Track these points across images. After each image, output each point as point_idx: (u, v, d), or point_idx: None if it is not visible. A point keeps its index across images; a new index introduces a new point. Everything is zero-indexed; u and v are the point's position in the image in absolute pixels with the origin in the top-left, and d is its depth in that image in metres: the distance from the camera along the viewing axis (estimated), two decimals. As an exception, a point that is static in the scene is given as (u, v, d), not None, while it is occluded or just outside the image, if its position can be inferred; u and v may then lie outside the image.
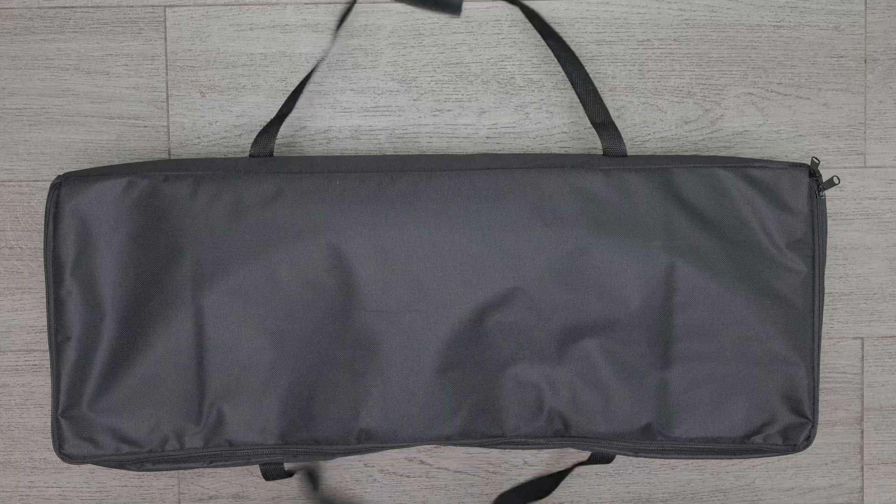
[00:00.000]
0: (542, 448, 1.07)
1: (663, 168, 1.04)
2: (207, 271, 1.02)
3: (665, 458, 1.07)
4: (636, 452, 1.06)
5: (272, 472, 1.09)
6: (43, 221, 1.11)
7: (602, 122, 1.08)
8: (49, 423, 1.13)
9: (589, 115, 1.09)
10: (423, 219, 1.02)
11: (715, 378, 1.04)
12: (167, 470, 1.07)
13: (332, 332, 1.03)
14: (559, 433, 1.05)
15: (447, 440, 1.04)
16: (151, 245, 1.03)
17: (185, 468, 1.07)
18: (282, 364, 1.03)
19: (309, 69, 1.12)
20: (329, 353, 1.03)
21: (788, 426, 1.05)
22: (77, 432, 1.03)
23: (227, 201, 1.02)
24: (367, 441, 1.04)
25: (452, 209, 1.02)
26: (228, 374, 1.03)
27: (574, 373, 1.04)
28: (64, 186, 1.02)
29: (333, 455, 1.06)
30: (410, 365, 1.02)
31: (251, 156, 1.08)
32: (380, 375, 1.03)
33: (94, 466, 1.14)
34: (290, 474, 1.10)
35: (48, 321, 1.03)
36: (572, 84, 1.09)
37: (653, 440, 1.05)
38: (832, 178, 1.05)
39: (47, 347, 1.08)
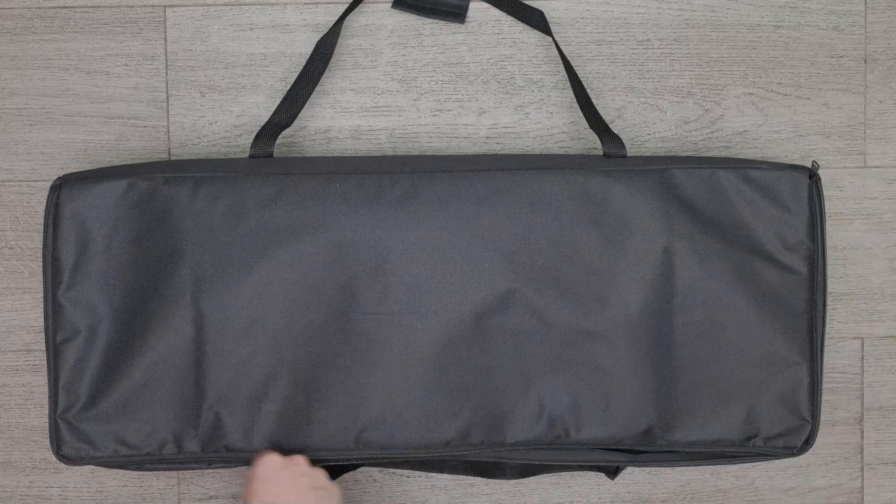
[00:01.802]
0: (540, 452, 1.06)
1: (663, 169, 1.04)
2: (207, 273, 1.02)
3: (663, 465, 1.07)
4: (633, 462, 1.06)
5: None
6: (43, 222, 1.10)
7: (600, 129, 1.08)
8: (49, 424, 1.13)
9: (588, 121, 1.09)
10: (422, 221, 1.02)
11: (715, 380, 1.04)
12: (168, 470, 1.06)
13: (331, 335, 1.03)
14: (559, 438, 1.04)
15: (446, 445, 1.04)
16: (151, 247, 1.03)
17: (186, 468, 1.07)
18: (280, 367, 1.03)
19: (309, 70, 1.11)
20: (328, 355, 1.03)
21: (788, 429, 1.05)
22: (75, 434, 1.03)
23: (227, 203, 1.02)
24: (366, 446, 1.03)
25: (452, 211, 1.02)
26: (227, 377, 1.02)
27: (574, 376, 1.03)
28: (63, 188, 1.02)
29: (332, 461, 1.05)
30: (410, 368, 1.02)
31: (251, 156, 1.07)
32: (379, 378, 1.02)
33: (93, 466, 1.13)
34: None
35: (45, 323, 1.03)
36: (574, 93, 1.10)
37: (653, 444, 1.04)
38: (812, 162, 1.05)
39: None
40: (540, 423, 1.04)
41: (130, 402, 1.03)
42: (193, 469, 1.07)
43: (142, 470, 1.06)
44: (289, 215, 1.02)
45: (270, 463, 1.00)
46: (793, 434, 1.05)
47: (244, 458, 1.04)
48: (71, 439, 1.03)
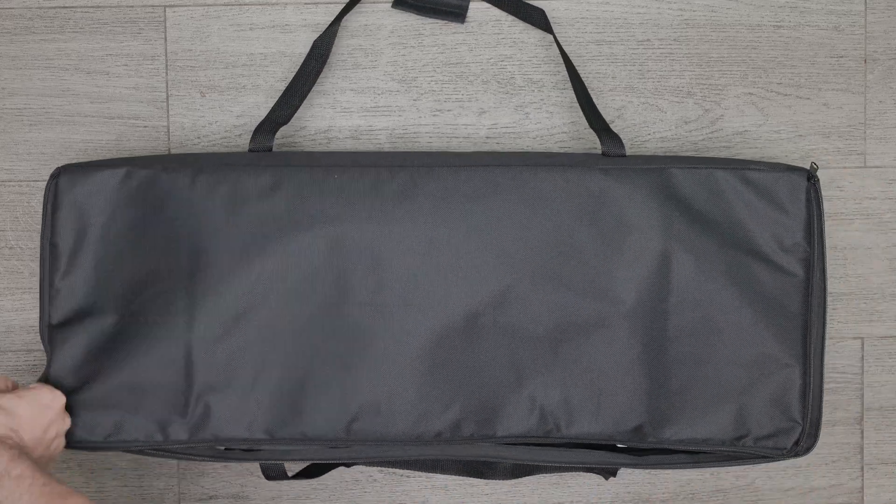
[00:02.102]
0: (534, 451, 1.06)
1: (661, 168, 1.04)
2: (203, 262, 1.02)
3: (661, 468, 1.07)
4: (630, 464, 1.06)
5: (273, 472, 1.09)
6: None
7: (600, 127, 1.08)
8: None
9: (587, 119, 1.09)
10: (420, 214, 1.02)
11: (708, 380, 1.04)
12: (167, 457, 1.06)
13: (324, 326, 1.03)
14: (550, 433, 1.04)
15: (437, 436, 1.03)
16: (149, 235, 1.03)
17: (183, 458, 1.06)
18: (273, 357, 1.03)
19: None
20: (321, 346, 1.03)
21: (778, 430, 1.04)
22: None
23: (226, 193, 1.02)
24: (357, 436, 1.03)
25: (450, 206, 1.02)
26: (218, 366, 1.02)
27: (567, 373, 1.03)
28: (63, 176, 1.02)
29: (322, 449, 1.05)
30: (402, 360, 1.02)
31: (250, 150, 1.07)
32: (372, 369, 1.02)
33: (93, 466, 1.14)
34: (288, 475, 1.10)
35: (41, 309, 1.03)
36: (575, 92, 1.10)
37: (644, 441, 1.04)
38: (811, 163, 1.05)
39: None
40: (531, 418, 1.04)
41: (122, 389, 1.02)
42: (189, 459, 1.06)
43: (132, 452, 1.05)
44: (287, 206, 1.02)
45: None
46: (783, 435, 1.04)
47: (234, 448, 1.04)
48: None
